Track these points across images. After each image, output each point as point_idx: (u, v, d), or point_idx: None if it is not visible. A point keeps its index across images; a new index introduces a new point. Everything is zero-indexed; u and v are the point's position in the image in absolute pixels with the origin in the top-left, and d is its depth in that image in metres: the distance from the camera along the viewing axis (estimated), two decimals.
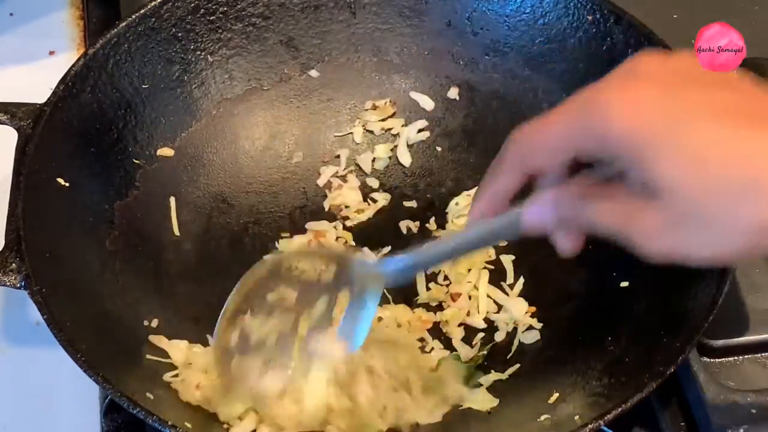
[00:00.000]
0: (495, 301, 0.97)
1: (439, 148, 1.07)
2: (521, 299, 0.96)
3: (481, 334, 0.95)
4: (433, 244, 0.80)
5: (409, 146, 1.07)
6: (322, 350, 0.83)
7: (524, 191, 0.75)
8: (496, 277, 0.98)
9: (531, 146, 0.71)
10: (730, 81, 0.68)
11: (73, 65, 0.97)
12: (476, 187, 0.78)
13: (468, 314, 0.96)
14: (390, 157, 1.06)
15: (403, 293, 0.96)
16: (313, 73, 1.08)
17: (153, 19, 1.01)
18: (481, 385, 0.91)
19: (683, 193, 0.63)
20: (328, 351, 0.83)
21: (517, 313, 0.95)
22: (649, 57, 0.69)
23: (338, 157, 1.07)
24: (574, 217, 0.71)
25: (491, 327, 0.96)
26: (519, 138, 0.72)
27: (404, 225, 1.02)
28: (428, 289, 0.97)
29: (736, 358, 0.92)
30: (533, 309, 0.96)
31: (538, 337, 0.94)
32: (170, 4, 1.02)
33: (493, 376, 0.92)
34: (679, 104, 0.64)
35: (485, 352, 0.94)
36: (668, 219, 0.65)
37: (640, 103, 0.65)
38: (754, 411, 0.87)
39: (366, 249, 0.99)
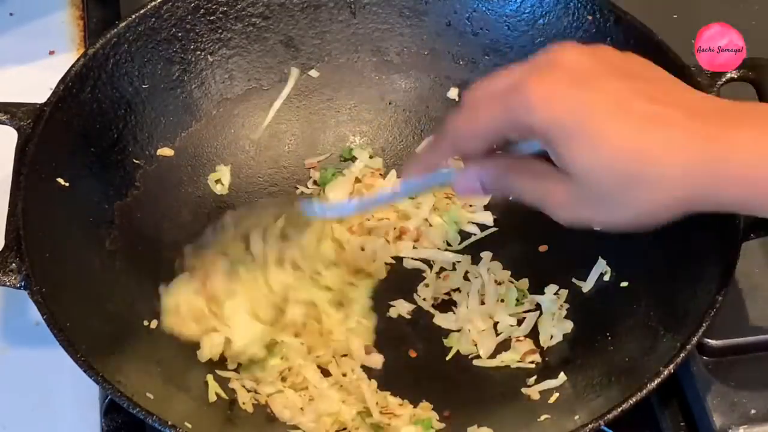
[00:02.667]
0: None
1: None
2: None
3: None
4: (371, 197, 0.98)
5: None
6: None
7: None
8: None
9: (462, 135, 0.80)
10: (641, 71, 0.77)
11: (73, 65, 0.97)
12: None
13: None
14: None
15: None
16: (313, 73, 1.08)
17: (153, 19, 1.01)
18: None
19: (588, 177, 0.74)
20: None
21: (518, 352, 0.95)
22: (567, 49, 0.77)
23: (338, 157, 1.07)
24: (498, 188, 0.82)
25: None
26: (452, 128, 0.81)
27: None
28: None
29: (736, 358, 0.92)
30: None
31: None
32: (170, 4, 1.02)
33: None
34: (589, 98, 0.74)
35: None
36: (576, 195, 0.76)
37: (556, 97, 0.74)
38: (754, 411, 0.87)
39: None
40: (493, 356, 0.94)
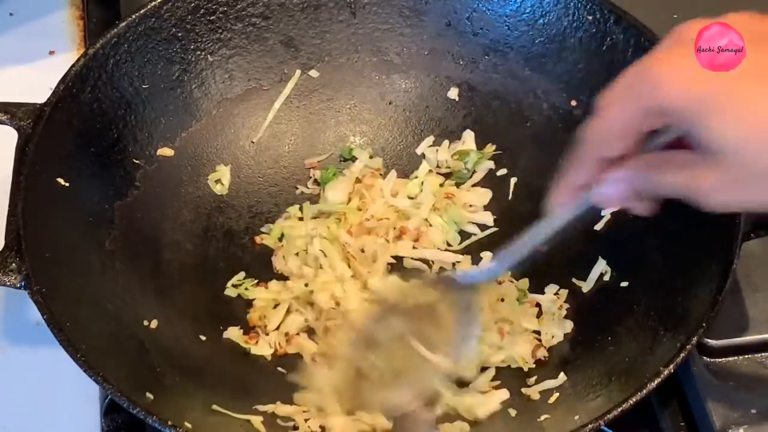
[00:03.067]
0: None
1: None
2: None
3: None
4: (519, 241, 0.84)
5: None
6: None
7: None
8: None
9: (602, 136, 0.75)
10: None
11: (73, 65, 0.97)
12: None
13: None
14: None
15: None
16: (313, 73, 1.08)
17: (153, 19, 1.01)
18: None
19: (740, 150, 0.68)
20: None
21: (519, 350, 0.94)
22: (693, 23, 0.72)
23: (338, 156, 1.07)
24: (645, 188, 0.76)
25: None
26: (588, 134, 0.76)
27: None
28: None
29: (736, 358, 0.92)
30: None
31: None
32: (170, 4, 1.02)
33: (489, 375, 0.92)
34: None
35: None
36: (728, 175, 0.70)
37: (691, 69, 0.68)
38: (754, 411, 0.87)
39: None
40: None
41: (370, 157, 1.06)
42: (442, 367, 0.86)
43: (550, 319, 0.94)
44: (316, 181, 1.05)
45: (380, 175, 1.05)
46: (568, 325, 0.94)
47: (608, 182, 0.77)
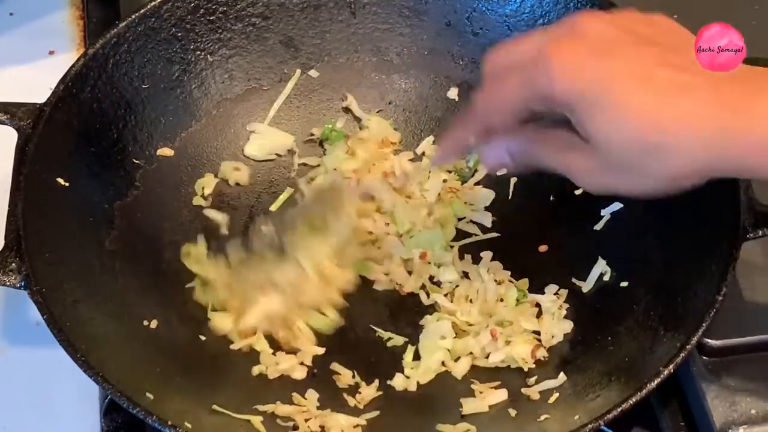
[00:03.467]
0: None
1: None
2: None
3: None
4: None
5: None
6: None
7: None
8: None
9: (489, 108, 0.81)
10: (666, 36, 0.78)
11: (73, 65, 0.97)
12: None
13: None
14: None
15: None
16: (313, 73, 1.08)
17: (153, 19, 1.01)
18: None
19: (610, 147, 0.75)
20: None
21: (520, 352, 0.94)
22: (589, 17, 0.77)
23: None
24: (525, 159, 0.82)
25: None
26: (479, 101, 0.81)
27: None
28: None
29: (736, 358, 0.92)
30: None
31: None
32: (170, 4, 1.02)
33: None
34: (611, 68, 0.74)
35: None
36: (599, 163, 0.77)
37: (578, 67, 0.74)
38: (754, 411, 0.87)
39: None
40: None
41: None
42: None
43: (550, 319, 0.94)
44: (312, 179, 1.05)
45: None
46: (568, 325, 0.94)
47: (489, 147, 0.83)
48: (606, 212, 0.97)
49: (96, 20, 1.20)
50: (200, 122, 1.04)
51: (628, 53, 0.75)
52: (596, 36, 0.76)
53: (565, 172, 0.80)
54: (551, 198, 1.01)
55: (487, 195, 1.03)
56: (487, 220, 1.02)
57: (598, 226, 0.98)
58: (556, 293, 0.96)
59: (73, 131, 0.96)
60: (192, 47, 1.04)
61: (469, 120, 0.83)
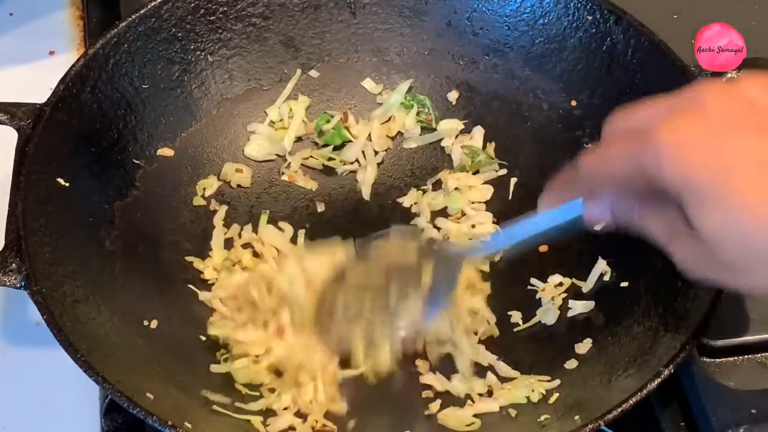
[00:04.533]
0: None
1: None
2: None
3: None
4: (513, 225, 0.87)
5: (410, 148, 1.07)
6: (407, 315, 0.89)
7: None
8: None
9: (594, 173, 0.76)
10: None
11: (73, 65, 0.97)
12: None
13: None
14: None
15: None
16: (313, 73, 1.08)
17: (153, 19, 1.01)
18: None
19: (720, 243, 0.69)
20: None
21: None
22: (711, 90, 0.70)
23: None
24: (627, 222, 0.78)
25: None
26: (585, 169, 0.76)
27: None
28: None
29: (736, 358, 0.91)
30: None
31: None
32: (170, 4, 1.02)
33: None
34: (729, 156, 0.67)
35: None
36: (704, 254, 0.71)
37: (690, 149, 0.68)
38: (754, 411, 0.87)
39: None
40: None
41: None
42: (404, 319, 0.89)
43: (545, 309, 0.95)
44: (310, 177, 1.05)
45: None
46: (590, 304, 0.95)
47: (593, 203, 0.79)
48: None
49: (96, 20, 1.20)
50: (200, 122, 1.05)
51: (750, 138, 0.67)
52: (715, 113, 0.68)
53: (668, 255, 0.75)
54: None
55: (487, 189, 1.03)
56: (488, 220, 1.02)
57: (598, 226, 0.98)
58: (559, 284, 0.96)
59: (73, 131, 0.96)
60: (192, 47, 1.04)
61: (574, 180, 0.78)
